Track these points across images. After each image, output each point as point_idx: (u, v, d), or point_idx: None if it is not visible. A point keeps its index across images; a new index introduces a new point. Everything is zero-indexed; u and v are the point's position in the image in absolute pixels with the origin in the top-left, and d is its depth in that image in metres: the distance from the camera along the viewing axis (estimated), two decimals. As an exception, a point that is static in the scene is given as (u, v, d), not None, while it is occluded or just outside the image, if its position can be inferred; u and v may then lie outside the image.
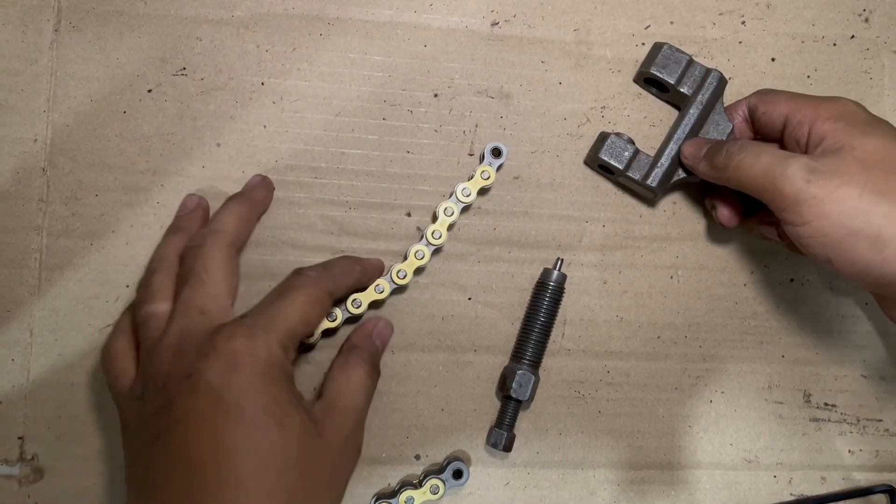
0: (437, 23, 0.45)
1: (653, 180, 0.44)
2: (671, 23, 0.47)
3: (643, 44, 0.47)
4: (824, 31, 0.48)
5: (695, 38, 0.47)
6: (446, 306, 0.45)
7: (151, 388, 0.34)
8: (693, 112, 0.44)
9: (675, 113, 0.47)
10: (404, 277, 0.43)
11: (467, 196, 0.43)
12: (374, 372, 0.41)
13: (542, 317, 0.44)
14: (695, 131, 0.44)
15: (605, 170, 0.46)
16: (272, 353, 0.33)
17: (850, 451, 0.48)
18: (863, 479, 0.48)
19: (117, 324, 0.39)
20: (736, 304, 0.47)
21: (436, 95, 0.45)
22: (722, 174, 0.40)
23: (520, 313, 0.46)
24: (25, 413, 0.43)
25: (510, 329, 0.46)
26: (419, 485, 0.43)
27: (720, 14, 0.47)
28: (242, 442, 0.31)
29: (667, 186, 0.44)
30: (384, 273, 0.43)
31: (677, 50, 0.44)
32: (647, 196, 0.46)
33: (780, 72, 0.48)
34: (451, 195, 0.44)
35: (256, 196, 0.42)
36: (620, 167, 0.44)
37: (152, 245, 0.43)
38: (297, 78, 0.44)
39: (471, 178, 0.44)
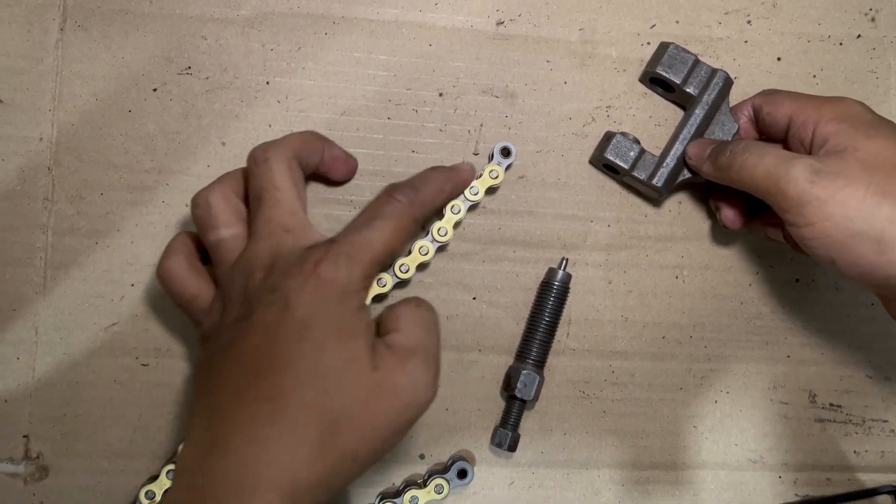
0: (442, 22, 0.45)
1: (658, 180, 0.44)
2: (676, 22, 0.47)
3: (648, 43, 0.46)
4: (830, 30, 0.48)
5: (700, 38, 0.47)
6: (451, 306, 0.45)
7: (236, 299, 0.35)
8: (699, 112, 0.44)
9: (680, 113, 0.46)
10: (407, 272, 0.42)
11: (475, 195, 0.43)
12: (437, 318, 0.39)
13: (547, 316, 0.44)
14: (700, 131, 0.44)
15: (610, 169, 0.45)
16: (352, 279, 0.34)
17: (855, 451, 0.48)
18: (868, 479, 0.48)
19: (171, 246, 0.38)
20: (741, 305, 0.47)
21: (441, 95, 0.45)
22: (726, 175, 0.40)
23: (524, 313, 0.46)
24: (31, 411, 0.43)
25: (515, 329, 0.46)
26: (423, 484, 0.43)
27: (726, 13, 0.47)
28: (301, 356, 0.32)
29: (672, 186, 0.44)
30: (388, 268, 0.43)
31: (683, 50, 0.44)
32: (653, 196, 0.46)
33: (785, 71, 0.47)
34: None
35: (429, 184, 0.40)
36: (626, 167, 0.44)
37: (157, 244, 0.43)
38: (303, 77, 0.44)
39: (479, 176, 0.44)
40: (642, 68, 0.46)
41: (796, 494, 0.48)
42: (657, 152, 0.45)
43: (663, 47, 0.45)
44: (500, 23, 0.46)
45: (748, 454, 0.47)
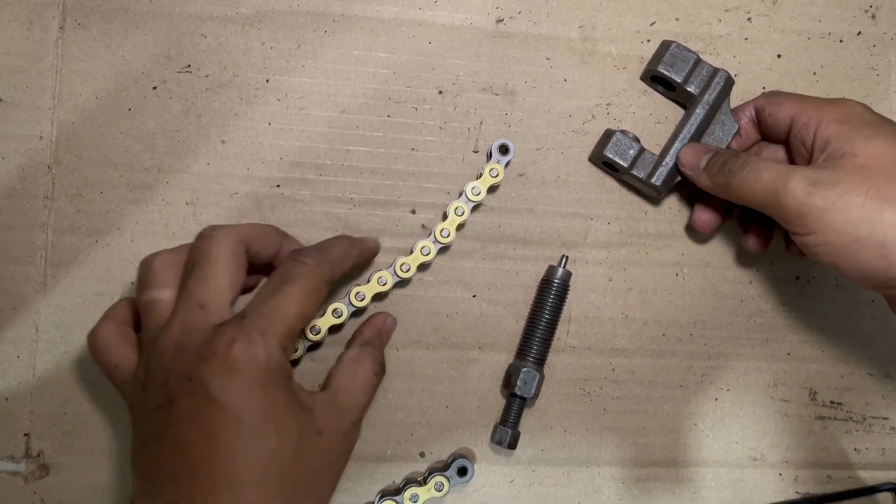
0: (441, 20, 0.45)
1: (657, 179, 0.43)
2: (676, 19, 0.47)
3: (649, 40, 0.46)
4: (831, 27, 0.48)
5: (700, 35, 0.47)
6: (451, 304, 0.45)
7: (154, 381, 0.34)
8: (699, 112, 0.43)
9: (680, 111, 0.46)
10: (408, 271, 0.43)
11: (477, 195, 0.43)
12: (382, 370, 0.41)
13: (547, 314, 0.44)
14: (700, 131, 0.44)
15: (609, 167, 0.45)
16: (271, 356, 0.33)
17: (855, 449, 0.48)
18: (869, 477, 0.48)
19: (107, 313, 0.38)
20: (741, 302, 0.47)
21: (440, 92, 0.45)
22: (724, 191, 0.40)
23: (525, 311, 0.46)
24: (31, 410, 0.43)
25: (515, 326, 0.46)
26: (424, 482, 0.43)
27: (726, 10, 0.47)
28: (240, 446, 0.32)
29: (671, 185, 0.44)
30: (389, 267, 0.43)
31: (685, 49, 0.44)
32: (652, 194, 0.46)
33: (786, 68, 0.47)
34: (460, 194, 0.44)
35: (335, 248, 0.40)
36: (625, 165, 0.44)
37: (157, 242, 0.43)
38: (302, 75, 0.44)
39: (479, 176, 0.44)
40: (642, 66, 0.46)
41: (797, 492, 0.48)
42: (657, 151, 0.45)
43: (665, 46, 0.45)
44: (499, 20, 0.46)
45: (749, 452, 0.47)
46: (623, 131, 0.44)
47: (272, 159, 0.44)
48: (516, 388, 0.43)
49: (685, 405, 0.47)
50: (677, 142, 0.43)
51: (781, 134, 0.42)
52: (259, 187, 0.44)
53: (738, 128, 0.43)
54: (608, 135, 0.44)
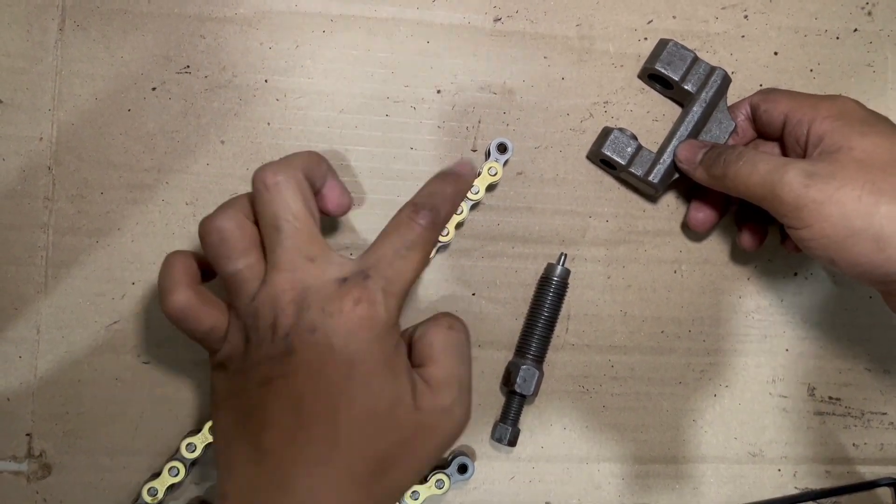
0: (439, 19, 0.45)
1: (654, 177, 0.44)
2: (674, 17, 0.47)
3: (646, 38, 0.47)
4: (827, 24, 0.48)
5: (697, 33, 0.47)
6: (450, 302, 0.45)
7: (267, 335, 0.33)
8: (696, 110, 0.44)
9: (678, 109, 0.47)
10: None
11: (476, 193, 0.44)
12: (468, 335, 0.39)
13: (546, 312, 0.44)
14: (697, 129, 0.44)
15: (607, 165, 0.46)
16: (391, 317, 0.34)
17: (854, 444, 0.48)
18: (867, 472, 0.48)
19: (169, 277, 0.36)
20: (740, 299, 0.47)
21: (439, 92, 0.45)
22: (720, 183, 0.41)
23: (524, 308, 0.46)
24: (33, 410, 0.43)
25: (514, 324, 0.46)
26: (424, 479, 0.43)
27: (723, 8, 0.47)
28: (351, 398, 0.33)
29: (668, 182, 0.44)
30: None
31: (682, 47, 0.44)
32: (649, 192, 0.46)
33: (782, 66, 0.48)
34: None
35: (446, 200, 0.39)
36: (623, 162, 0.44)
37: (158, 242, 0.43)
38: (301, 75, 0.45)
39: (478, 174, 0.44)
40: (640, 64, 0.46)
41: (796, 487, 0.48)
42: (654, 148, 0.45)
43: (662, 44, 0.45)
44: (497, 19, 0.46)
45: (748, 447, 0.47)
46: (621, 129, 0.44)
47: (271, 159, 0.44)
48: (516, 386, 0.44)
49: (684, 401, 0.47)
50: (675, 139, 0.44)
51: (776, 131, 0.42)
52: (258, 187, 0.44)
53: (735, 125, 0.44)
54: (606, 133, 0.45)
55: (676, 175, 0.44)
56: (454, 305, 0.45)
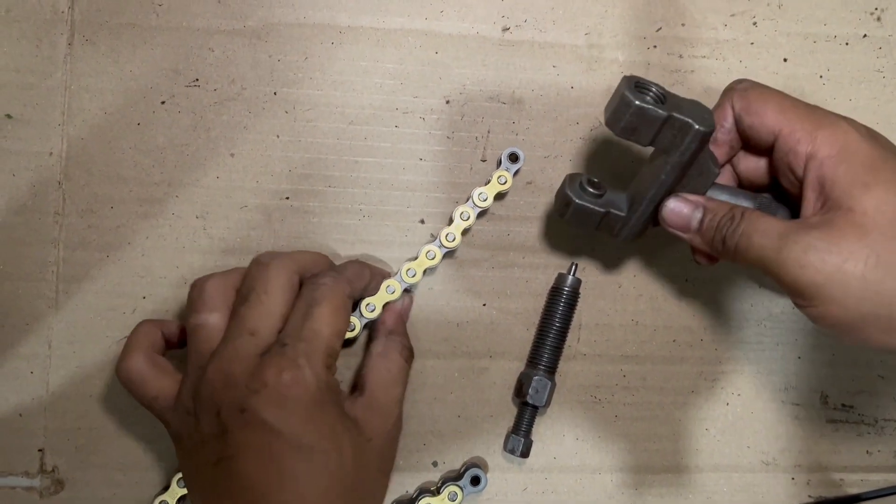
0: (447, 29, 0.45)
1: (624, 238, 0.41)
2: (682, 25, 0.47)
3: (655, 46, 0.46)
4: (836, 30, 0.48)
5: (706, 40, 0.47)
6: (461, 313, 0.45)
7: (205, 411, 0.34)
8: (670, 172, 0.37)
9: None
10: (414, 276, 0.43)
11: (484, 201, 0.43)
12: (411, 354, 0.42)
13: (558, 322, 0.44)
14: (674, 185, 0.38)
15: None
16: (319, 378, 0.34)
17: (868, 451, 0.48)
18: (882, 480, 0.48)
19: (131, 342, 0.38)
20: (751, 307, 0.47)
21: (448, 102, 0.45)
22: (723, 258, 0.38)
23: (535, 319, 0.46)
24: (45, 425, 0.43)
25: (525, 335, 0.46)
26: (437, 492, 0.43)
27: (731, 15, 0.47)
28: (303, 470, 0.33)
29: (642, 236, 0.41)
30: (393, 274, 0.43)
31: (652, 99, 0.35)
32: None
33: (792, 72, 0.47)
34: (467, 199, 0.44)
35: (349, 268, 0.41)
36: (588, 231, 0.42)
37: (168, 256, 0.43)
38: (310, 87, 0.44)
39: (487, 182, 0.44)
40: (649, 72, 0.46)
41: (809, 496, 0.48)
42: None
43: (625, 104, 0.35)
44: (505, 29, 0.46)
45: (761, 456, 0.47)
46: (582, 188, 0.39)
47: (281, 171, 0.44)
48: (528, 397, 0.43)
49: (696, 411, 0.47)
50: (645, 201, 0.39)
51: (764, 146, 0.38)
52: (268, 199, 0.44)
53: (718, 173, 0.38)
54: (567, 201, 0.39)
55: (653, 226, 0.41)
56: (465, 316, 0.45)
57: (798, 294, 0.34)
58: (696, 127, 0.35)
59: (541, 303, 0.46)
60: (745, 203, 0.39)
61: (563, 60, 0.46)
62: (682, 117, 0.35)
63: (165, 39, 0.44)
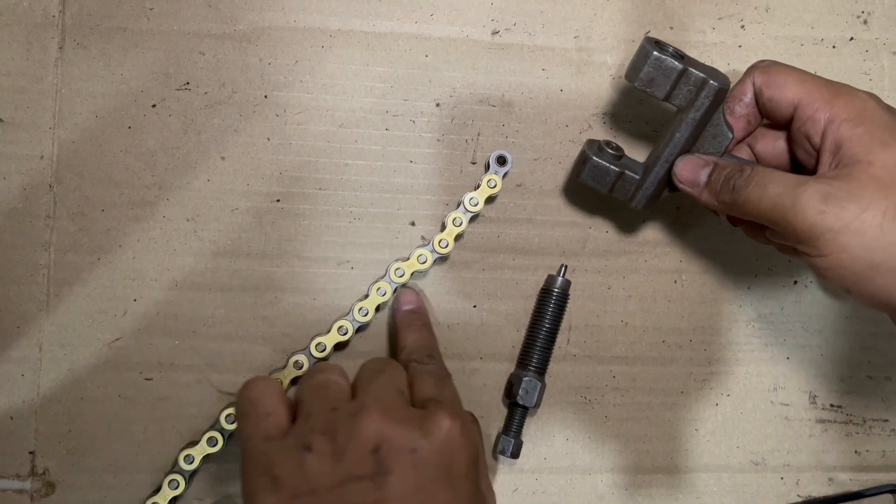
0: (437, 33, 0.46)
1: (637, 203, 0.42)
2: (671, 28, 0.47)
3: (643, 50, 0.47)
4: (823, 33, 0.48)
5: (694, 43, 0.47)
6: (451, 314, 0.46)
7: (353, 450, 0.32)
8: (684, 129, 0.39)
9: None
10: (402, 276, 0.43)
11: (475, 206, 0.44)
12: (450, 381, 0.41)
13: (548, 323, 0.44)
14: (690, 143, 0.40)
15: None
16: (474, 434, 0.36)
17: (856, 451, 0.48)
18: (870, 479, 0.48)
19: (263, 376, 0.39)
20: (740, 307, 0.48)
21: (438, 105, 0.46)
22: (729, 209, 0.38)
23: (525, 320, 0.46)
24: (36, 428, 0.43)
25: (516, 336, 0.46)
26: (428, 493, 0.43)
27: (719, 18, 0.48)
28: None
29: (655, 203, 0.43)
30: (382, 276, 0.44)
31: (669, 57, 0.38)
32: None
33: (780, 75, 0.48)
34: (458, 205, 0.44)
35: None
36: (604, 191, 0.42)
37: (159, 259, 0.44)
38: (300, 90, 0.45)
39: (477, 187, 0.44)
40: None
41: (798, 495, 0.48)
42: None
43: (644, 54, 0.39)
44: (495, 32, 0.46)
45: (750, 456, 0.47)
46: (600, 148, 0.42)
47: (272, 174, 0.44)
48: (518, 398, 0.44)
49: (686, 411, 0.47)
50: (659, 163, 0.40)
51: (783, 119, 0.38)
52: (259, 202, 0.44)
53: (732, 137, 0.40)
54: (584, 159, 0.42)
55: (667, 193, 0.42)
56: (455, 318, 0.46)
57: (812, 241, 0.33)
58: (711, 82, 0.38)
59: (531, 304, 0.46)
60: None
61: (553, 63, 0.46)
62: (697, 72, 0.38)
63: (156, 43, 0.44)
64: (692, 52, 0.47)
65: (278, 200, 0.44)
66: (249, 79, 0.44)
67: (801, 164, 0.39)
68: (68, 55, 0.43)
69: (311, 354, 0.43)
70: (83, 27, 0.43)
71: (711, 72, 0.39)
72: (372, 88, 0.45)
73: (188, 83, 0.44)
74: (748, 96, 0.39)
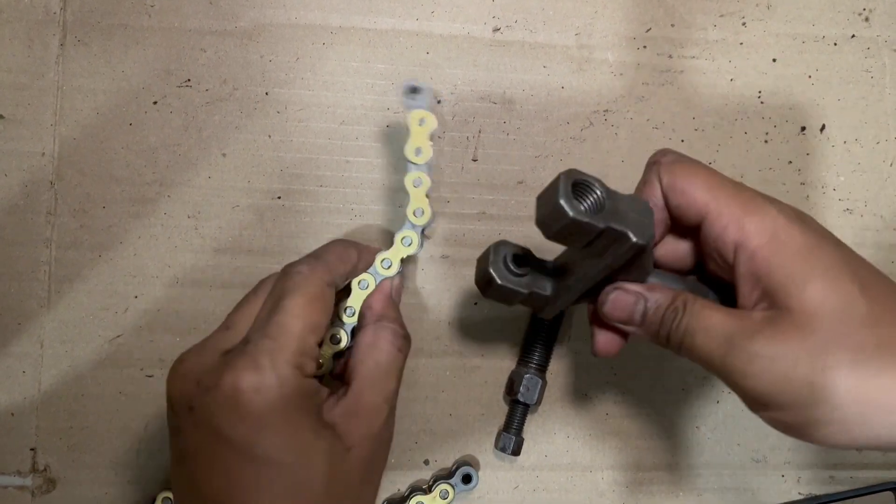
0: (438, 30, 0.46)
1: (548, 315, 0.38)
2: (672, 25, 0.47)
3: (644, 47, 0.47)
4: (825, 30, 0.48)
5: (696, 41, 0.47)
6: (453, 311, 0.46)
7: (168, 402, 0.33)
8: (600, 270, 0.34)
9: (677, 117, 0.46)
10: (389, 267, 0.40)
11: (388, 268, 0.40)
12: (406, 342, 0.37)
13: (549, 320, 0.44)
14: (605, 283, 0.35)
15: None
16: (284, 380, 0.31)
17: (857, 449, 0.48)
18: (871, 477, 0.48)
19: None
20: (741, 305, 0.47)
21: (439, 102, 0.46)
22: (670, 350, 0.34)
23: (526, 317, 0.46)
24: (37, 424, 0.43)
25: (517, 333, 0.46)
26: (429, 490, 0.43)
27: (721, 16, 0.47)
28: (257, 481, 0.30)
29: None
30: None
31: (588, 214, 0.31)
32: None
33: (781, 72, 0.48)
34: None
35: (330, 250, 0.38)
36: (508, 305, 0.38)
37: (160, 256, 0.44)
38: (301, 87, 0.45)
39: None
40: (639, 72, 0.46)
41: (799, 493, 0.48)
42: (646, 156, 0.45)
43: (558, 214, 0.30)
44: (496, 29, 0.46)
45: (751, 454, 0.47)
46: (506, 265, 0.36)
47: (273, 171, 0.44)
48: (519, 395, 0.44)
49: (687, 408, 0.47)
50: (572, 289, 0.35)
51: (690, 226, 0.34)
52: (260, 199, 0.44)
53: (652, 271, 0.35)
54: (487, 279, 0.36)
55: (584, 303, 0.37)
56: (456, 315, 0.46)
57: (747, 401, 0.32)
58: (634, 240, 0.31)
59: (532, 301, 0.46)
60: (675, 284, 0.35)
61: (554, 61, 0.46)
62: (619, 228, 0.31)
63: (157, 40, 0.44)
64: (693, 50, 0.47)
65: (279, 197, 0.44)
66: (250, 76, 0.44)
67: (710, 272, 0.35)
68: (69, 52, 0.43)
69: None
70: (84, 24, 0.43)
71: (635, 219, 0.32)
72: (373, 85, 0.45)
73: (189, 80, 0.44)
74: (661, 201, 0.35)
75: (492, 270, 0.36)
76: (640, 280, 0.35)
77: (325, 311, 0.34)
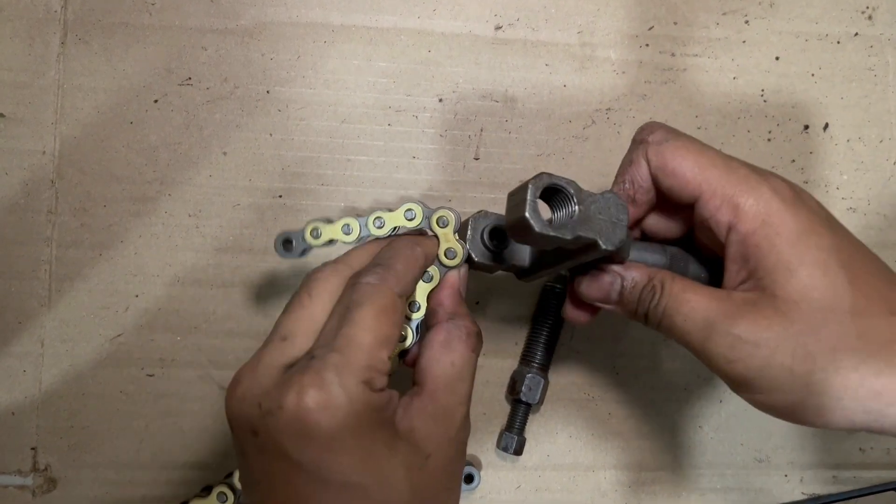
0: (440, 28, 0.46)
1: (528, 280, 0.39)
2: (675, 23, 0.47)
3: (647, 45, 0.47)
4: (828, 28, 0.48)
5: (698, 39, 0.47)
6: (454, 311, 0.45)
7: (231, 425, 0.30)
8: (573, 265, 0.34)
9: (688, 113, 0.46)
10: (381, 227, 0.37)
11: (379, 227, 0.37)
12: (479, 341, 0.35)
13: (551, 320, 0.44)
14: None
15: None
16: (353, 397, 0.28)
17: (860, 449, 0.48)
18: (874, 477, 0.48)
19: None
20: (744, 304, 0.47)
21: (440, 100, 0.45)
22: (647, 325, 0.34)
23: (528, 317, 0.46)
24: (38, 424, 0.43)
25: (519, 333, 0.46)
26: (430, 489, 0.43)
27: (723, 14, 0.47)
28: None
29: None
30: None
31: (556, 226, 0.30)
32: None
33: (784, 70, 0.48)
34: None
35: (398, 256, 0.35)
36: (490, 273, 0.38)
37: (161, 254, 0.43)
38: (302, 86, 0.45)
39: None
40: (642, 70, 0.46)
41: (802, 493, 0.48)
42: None
43: (523, 227, 0.29)
44: (498, 27, 0.46)
45: (754, 454, 0.47)
46: (483, 241, 0.37)
47: (274, 170, 0.44)
48: (521, 394, 0.44)
49: (690, 408, 0.47)
50: (550, 268, 0.36)
51: (681, 205, 0.34)
52: (261, 198, 0.44)
53: (628, 258, 0.35)
54: (467, 256, 0.36)
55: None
56: (458, 314, 0.45)
57: (729, 383, 0.32)
58: (603, 247, 0.31)
59: (534, 301, 0.46)
60: (655, 258, 0.35)
61: (556, 59, 0.46)
62: (589, 236, 0.30)
63: (158, 38, 0.44)
64: (695, 48, 0.47)
65: (280, 196, 0.44)
66: (251, 74, 0.44)
67: (699, 244, 0.35)
68: (70, 50, 0.43)
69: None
70: (85, 22, 0.43)
71: (606, 224, 0.31)
72: (374, 84, 0.45)
73: (190, 78, 0.44)
74: (647, 182, 0.34)
75: (469, 249, 0.37)
76: (619, 262, 0.35)
77: (396, 324, 0.32)
